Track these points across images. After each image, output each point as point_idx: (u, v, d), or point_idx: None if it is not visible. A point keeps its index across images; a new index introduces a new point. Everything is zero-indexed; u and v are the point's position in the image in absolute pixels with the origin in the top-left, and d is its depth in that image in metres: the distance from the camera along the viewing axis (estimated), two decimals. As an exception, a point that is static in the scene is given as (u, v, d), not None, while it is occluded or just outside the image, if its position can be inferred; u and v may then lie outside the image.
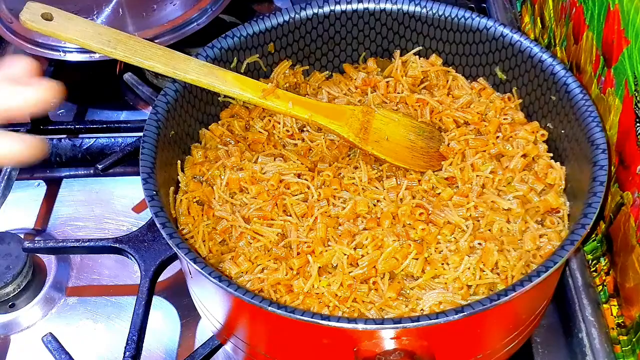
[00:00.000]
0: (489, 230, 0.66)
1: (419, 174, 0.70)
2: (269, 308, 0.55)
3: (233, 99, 0.77)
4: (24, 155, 0.54)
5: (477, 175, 0.69)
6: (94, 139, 0.95)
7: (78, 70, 1.05)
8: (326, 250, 0.64)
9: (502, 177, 0.69)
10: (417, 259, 0.63)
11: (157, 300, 0.79)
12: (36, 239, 0.86)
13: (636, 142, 0.63)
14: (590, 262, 0.74)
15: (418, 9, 0.77)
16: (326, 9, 0.77)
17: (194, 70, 0.65)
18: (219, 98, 0.76)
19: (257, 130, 0.74)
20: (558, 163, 0.71)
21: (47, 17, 0.61)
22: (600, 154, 0.63)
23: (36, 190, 0.94)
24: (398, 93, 0.77)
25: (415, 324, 0.54)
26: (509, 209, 0.66)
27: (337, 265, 0.64)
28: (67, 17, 0.62)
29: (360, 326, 0.54)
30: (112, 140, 0.95)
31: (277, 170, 0.70)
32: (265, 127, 0.75)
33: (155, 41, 0.94)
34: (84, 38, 0.63)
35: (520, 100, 0.76)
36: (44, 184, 0.95)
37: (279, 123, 0.75)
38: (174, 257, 0.78)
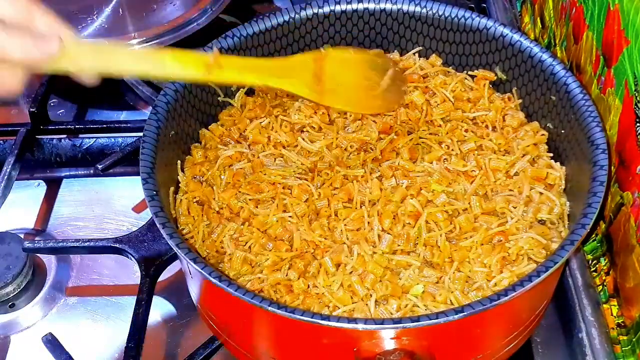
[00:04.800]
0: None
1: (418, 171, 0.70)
2: (269, 308, 0.55)
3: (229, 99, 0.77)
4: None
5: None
6: (94, 139, 0.95)
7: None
8: (330, 248, 0.64)
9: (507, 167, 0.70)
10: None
11: (157, 300, 0.79)
12: (36, 239, 0.86)
13: (636, 142, 0.63)
14: (590, 262, 0.74)
15: (418, 9, 0.77)
16: (326, 9, 0.77)
17: (128, 61, 0.58)
18: (219, 98, 0.76)
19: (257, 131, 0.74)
20: (558, 163, 0.71)
21: None
22: (600, 154, 0.63)
23: (36, 190, 0.94)
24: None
25: (415, 324, 0.54)
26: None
27: (339, 266, 0.64)
28: None
29: (360, 326, 0.54)
30: (112, 140, 0.95)
31: (278, 172, 0.70)
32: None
33: (155, 41, 0.95)
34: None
35: (520, 101, 0.76)
36: (44, 184, 0.95)
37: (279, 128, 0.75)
38: (174, 257, 0.78)
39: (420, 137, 0.73)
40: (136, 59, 0.58)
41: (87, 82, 0.55)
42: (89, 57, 0.55)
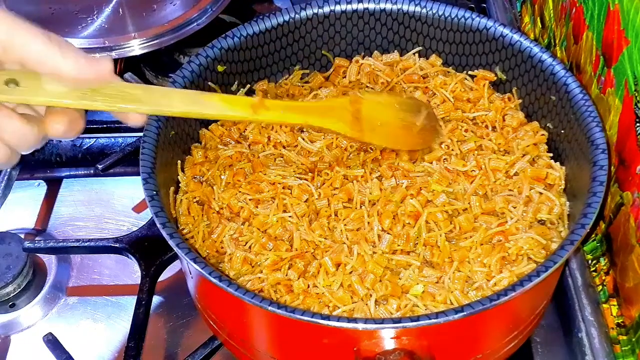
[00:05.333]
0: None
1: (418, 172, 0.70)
2: (269, 308, 0.55)
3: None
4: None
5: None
6: (94, 139, 0.95)
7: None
8: (330, 248, 0.64)
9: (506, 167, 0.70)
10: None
11: (157, 300, 0.79)
12: (36, 239, 0.86)
13: (636, 142, 0.63)
14: (590, 262, 0.74)
15: (418, 9, 0.77)
16: (326, 9, 0.77)
17: (179, 102, 0.61)
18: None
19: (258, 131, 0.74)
20: (558, 163, 0.71)
21: (14, 83, 0.52)
22: (600, 154, 0.63)
23: (36, 190, 0.94)
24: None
25: (415, 323, 0.54)
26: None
27: (339, 266, 0.64)
28: (35, 77, 0.53)
29: (360, 326, 0.54)
30: (113, 140, 0.95)
31: (278, 172, 0.70)
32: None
33: (156, 41, 0.95)
34: (58, 97, 0.54)
35: (520, 101, 0.76)
36: (44, 184, 0.95)
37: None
38: (174, 257, 0.78)
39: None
40: (187, 100, 0.61)
41: (134, 121, 0.57)
42: (141, 97, 0.57)
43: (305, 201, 0.68)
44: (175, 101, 0.60)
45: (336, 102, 0.70)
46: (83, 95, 0.55)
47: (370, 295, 0.62)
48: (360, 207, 0.68)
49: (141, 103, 0.58)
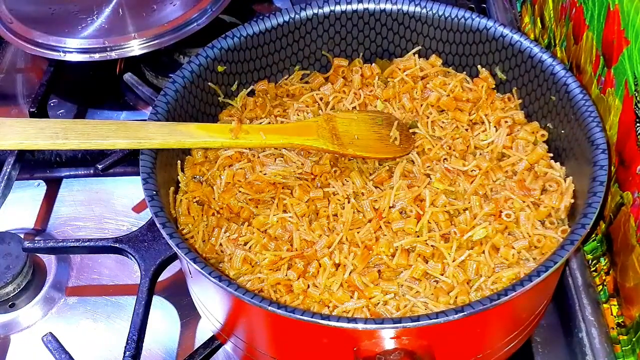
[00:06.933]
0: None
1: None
2: (269, 308, 0.55)
3: (229, 105, 0.77)
4: None
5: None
6: (94, 139, 0.95)
7: (78, 70, 1.05)
8: (328, 249, 0.64)
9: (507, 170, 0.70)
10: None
11: (157, 300, 0.79)
12: (36, 238, 0.86)
13: (636, 142, 0.63)
14: (590, 261, 0.74)
15: (418, 9, 0.77)
16: (326, 9, 0.77)
17: (156, 134, 0.61)
18: (219, 98, 0.76)
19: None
20: (558, 163, 0.71)
21: None
22: (600, 154, 0.63)
23: (36, 190, 0.94)
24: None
25: (415, 323, 0.54)
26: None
27: (338, 265, 0.64)
28: (2, 122, 0.53)
29: (360, 326, 0.54)
30: (112, 140, 0.95)
31: (278, 172, 0.70)
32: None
33: (155, 41, 0.95)
34: (27, 139, 0.54)
35: (520, 101, 0.76)
36: (44, 183, 0.95)
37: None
38: (174, 257, 0.78)
39: (420, 138, 0.73)
40: (165, 132, 0.61)
41: None
42: (117, 132, 0.57)
43: (306, 201, 0.68)
44: (153, 133, 0.60)
45: (312, 121, 0.71)
46: (55, 134, 0.55)
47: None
48: (360, 207, 0.68)
49: (118, 138, 0.58)
